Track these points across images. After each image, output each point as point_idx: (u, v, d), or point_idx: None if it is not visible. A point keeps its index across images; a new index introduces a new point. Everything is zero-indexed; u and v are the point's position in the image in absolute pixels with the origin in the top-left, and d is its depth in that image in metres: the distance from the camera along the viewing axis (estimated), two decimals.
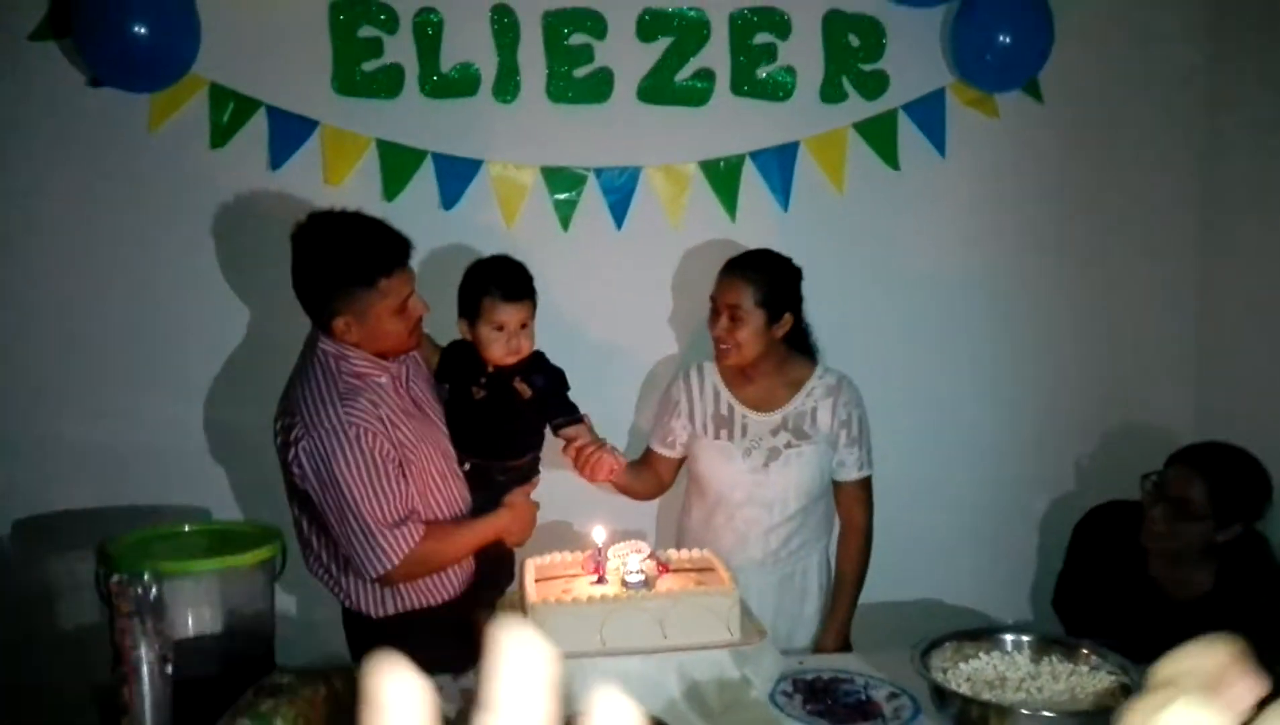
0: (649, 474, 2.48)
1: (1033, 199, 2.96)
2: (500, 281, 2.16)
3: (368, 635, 2.15)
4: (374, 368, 2.06)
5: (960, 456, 3.01)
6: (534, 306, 2.21)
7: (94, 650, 1.82)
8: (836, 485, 2.45)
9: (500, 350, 2.16)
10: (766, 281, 2.32)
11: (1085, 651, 1.95)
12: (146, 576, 1.67)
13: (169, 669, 1.66)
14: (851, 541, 2.46)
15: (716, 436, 2.40)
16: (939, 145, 2.87)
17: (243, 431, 2.63)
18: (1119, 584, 2.31)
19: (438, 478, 2.13)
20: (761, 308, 2.31)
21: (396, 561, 1.99)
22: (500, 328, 2.15)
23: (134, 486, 2.66)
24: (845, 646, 2.42)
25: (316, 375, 2.02)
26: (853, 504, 2.45)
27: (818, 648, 2.42)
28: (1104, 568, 2.37)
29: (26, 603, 2.64)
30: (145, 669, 1.62)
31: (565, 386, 2.26)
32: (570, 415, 2.24)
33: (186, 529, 2.09)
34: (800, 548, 2.42)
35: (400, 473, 2.02)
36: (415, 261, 2.71)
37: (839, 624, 2.44)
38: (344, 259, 1.99)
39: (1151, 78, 2.96)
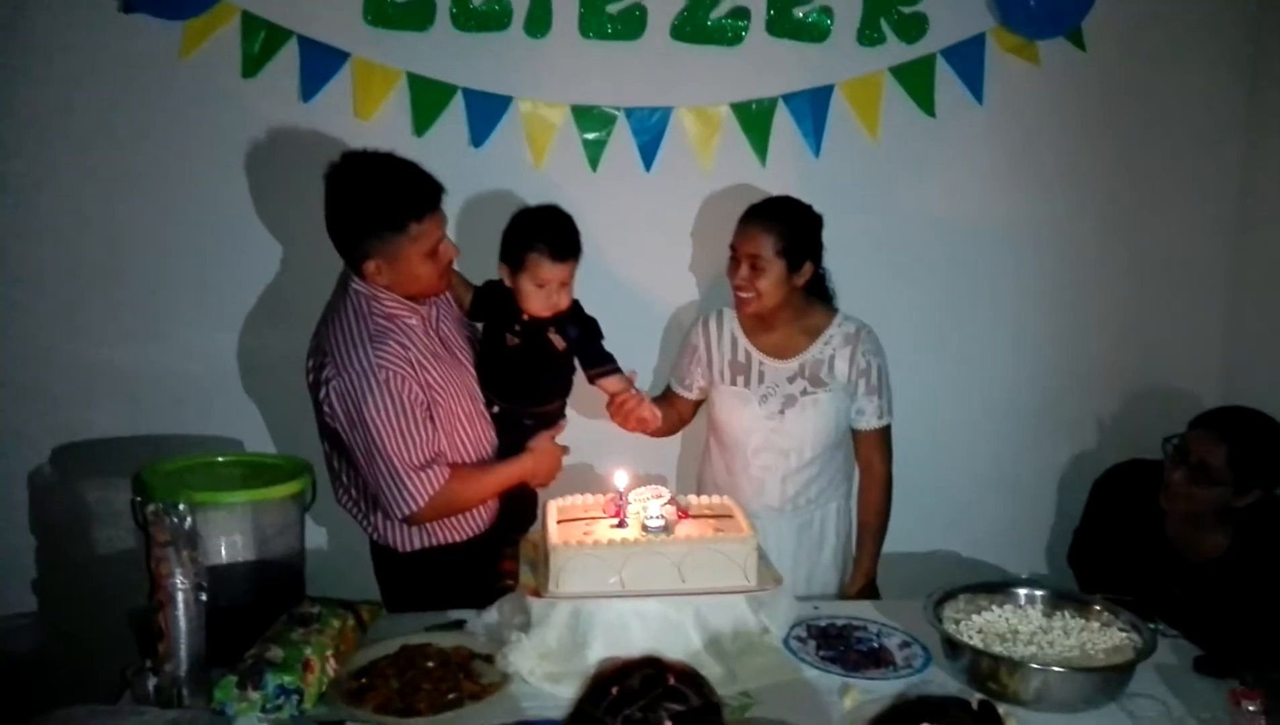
0: (669, 411, 2.49)
1: (1071, 150, 2.90)
2: (549, 238, 2.14)
3: (394, 569, 2.21)
4: (404, 309, 2.08)
5: (983, 408, 3.01)
6: (578, 263, 2.19)
7: (130, 573, 1.89)
8: (855, 433, 2.46)
9: (538, 304, 2.17)
10: (787, 230, 2.31)
11: (1097, 608, 1.99)
12: (182, 507, 1.72)
13: (203, 596, 1.72)
14: (872, 489, 2.48)
15: (734, 383, 2.42)
16: (977, 92, 2.81)
17: (276, 362, 2.67)
18: (1135, 542, 2.33)
19: (464, 419, 2.16)
20: (782, 257, 2.30)
21: (422, 503, 2.03)
22: (542, 284, 2.15)
23: (169, 415, 2.71)
24: (873, 593, 2.45)
25: (348, 316, 2.04)
26: (872, 452, 2.46)
27: (844, 594, 2.46)
28: (1121, 526, 2.38)
29: (65, 527, 2.72)
30: (180, 596, 1.69)
31: (599, 336, 2.26)
32: (606, 365, 2.25)
33: (220, 459, 2.15)
34: (818, 495, 2.45)
35: (428, 415, 2.05)
36: (444, 200, 2.72)
37: (865, 572, 2.47)
38: (374, 203, 2.00)
39: (1197, 27, 2.87)
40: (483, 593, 2.05)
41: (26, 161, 2.61)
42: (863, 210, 2.84)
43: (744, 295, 2.34)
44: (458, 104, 2.66)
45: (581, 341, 2.23)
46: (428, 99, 2.65)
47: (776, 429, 2.39)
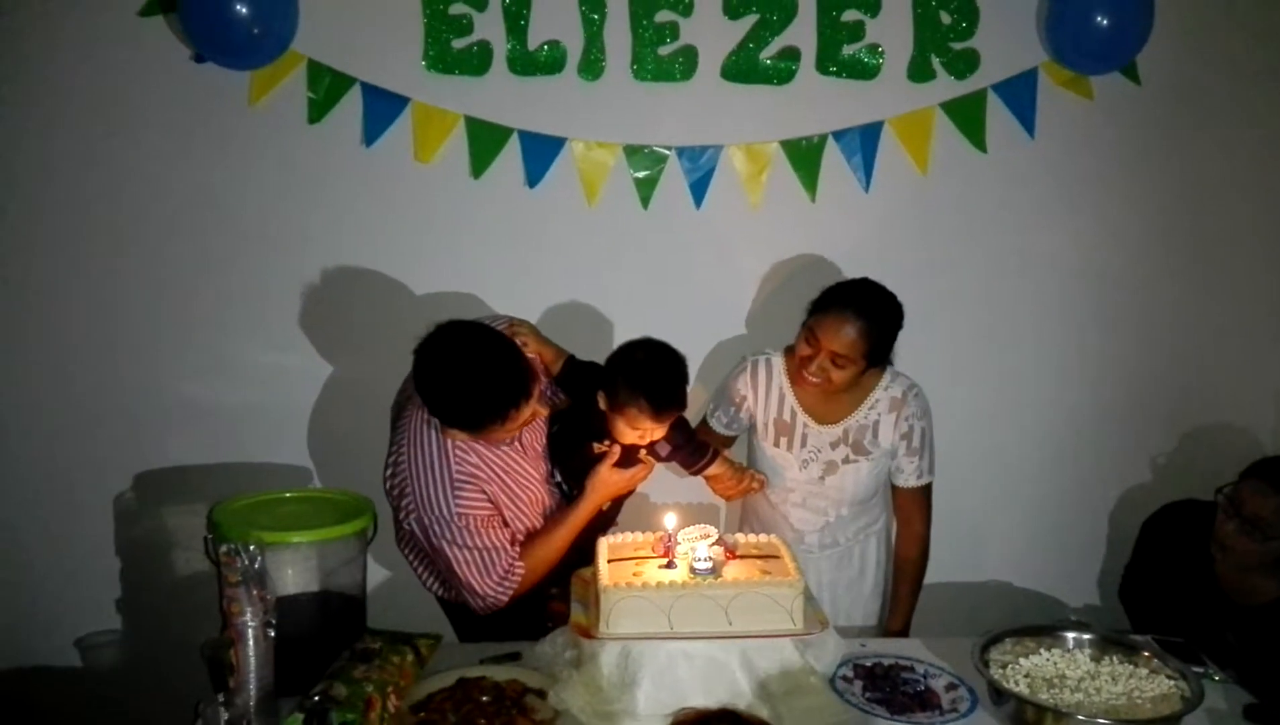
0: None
1: (1124, 185, 2.89)
2: (653, 397, 2.08)
3: (447, 609, 2.31)
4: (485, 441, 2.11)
5: (1036, 441, 3.01)
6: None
7: (206, 593, 1.98)
8: (894, 488, 2.46)
9: (631, 440, 2.15)
10: (877, 335, 2.24)
11: (1146, 654, 1.98)
12: (252, 548, 1.81)
13: (271, 631, 1.80)
14: (909, 546, 2.47)
15: (776, 444, 2.42)
16: (1028, 126, 2.82)
17: (343, 394, 2.82)
18: (1185, 583, 2.32)
19: (536, 512, 2.20)
20: (864, 359, 2.25)
21: (503, 603, 2.11)
22: (637, 430, 2.13)
23: (242, 444, 2.84)
24: (904, 634, 2.46)
25: (429, 451, 2.06)
26: (911, 509, 2.45)
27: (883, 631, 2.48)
28: (1171, 565, 2.37)
29: (146, 550, 2.87)
30: (250, 633, 1.77)
31: (691, 435, 2.26)
32: (702, 460, 2.26)
33: (288, 495, 2.23)
34: (856, 534, 2.47)
35: (503, 524, 2.11)
36: (500, 239, 2.79)
37: (900, 618, 2.48)
38: (455, 411, 2.00)
39: (1253, 60, 2.84)
40: (532, 631, 2.10)
41: (106, 206, 2.74)
42: (912, 244, 2.86)
43: (814, 380, 2.28)
44: (513, 146, 2.75)
45: (674, 455, 2.22)
46: (485, 141, 2.74)
47: (815, 492, 2.41)
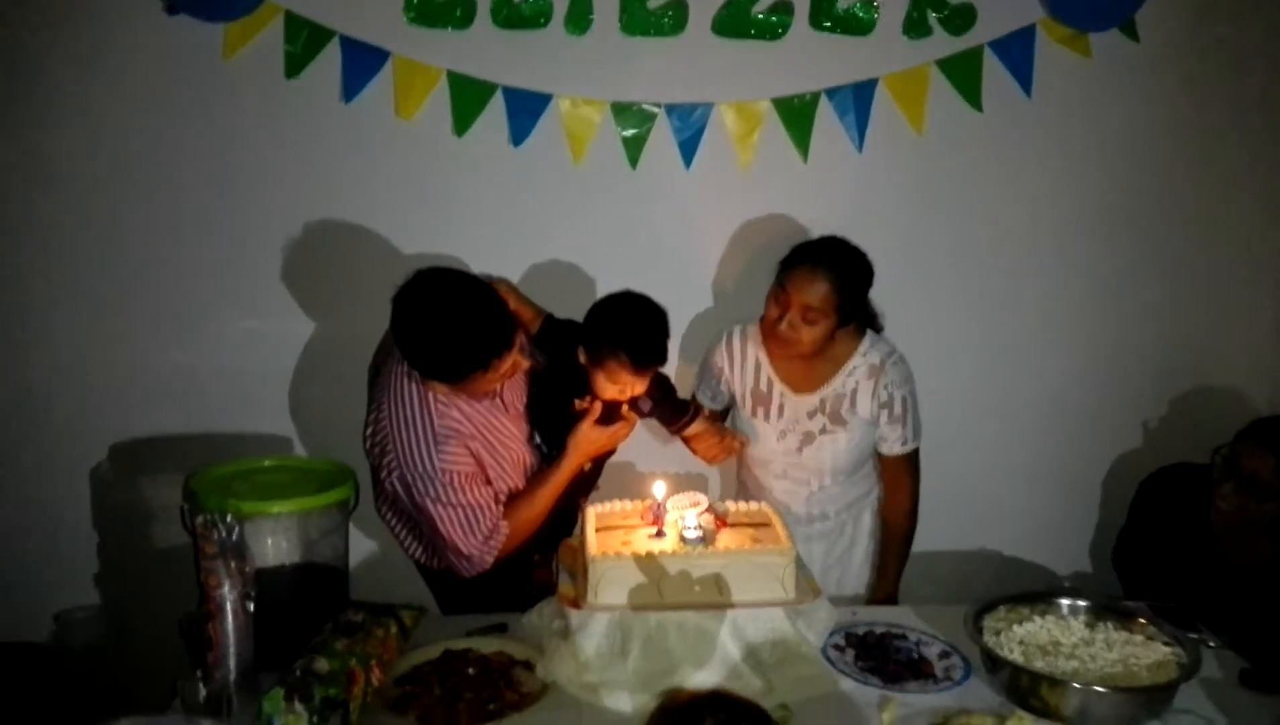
0: None
1: (1121, 145, 2.83)
2: (634, 350, 2.05)
3: (430, 580, 2.27)
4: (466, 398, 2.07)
5: (1028, 406, 2.97)
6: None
7: (184, 567, 1.93)
8: (880, 456, 2.41)
9: (611, 395, 2.11)
10: (847, 285, 2.20)
11: (1141, 620, 1.96)
12: (229, 518, 1.76)
13: (250, 605, 1.76)
14: (895, 513, 2.43)
15: (754, 414, 2.38)
16: (1025, 85, 2.75)
17: (324, 360, 2.75)
18: (1181, 546, 2.30)
19: (519, 472, 2.16)
20: (836, 312, 2.21)
21: (488, 564, 2.06)
22: (618, 384, 2.09)
23: (221, 413, 2.78)
24: (892, 601, 2.43)
25: (411, 406, 2.01)
26: (897, 476, 2.40)
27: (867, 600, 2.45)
28: (1167, 529, 2.36)
29: (123, 522, 2.81)
30: (229, 606, 1.73)
31: (672, 391, 2.22)
32: (683, 417, 2.22)
33: (267, 464, 2.18)
34: (846, 506, 2.43)
35: (486, 482, 2.07)
36: (484, 198, 2.72)
37: (887, 586, 2.44)
38: (437, 361, 1.94)
39: (1254, 17, 2.78)
40: (516, 601, 2.07)
41: (70, 162, 2.65)
42: (906, 205, 2.82)
43: (785, 339, 2.24)
44: (498, 102, 2.67)
45: (656, 410, 2.18)
46: (468, 98, 2.66)
47: (795, 463, 2.37)
